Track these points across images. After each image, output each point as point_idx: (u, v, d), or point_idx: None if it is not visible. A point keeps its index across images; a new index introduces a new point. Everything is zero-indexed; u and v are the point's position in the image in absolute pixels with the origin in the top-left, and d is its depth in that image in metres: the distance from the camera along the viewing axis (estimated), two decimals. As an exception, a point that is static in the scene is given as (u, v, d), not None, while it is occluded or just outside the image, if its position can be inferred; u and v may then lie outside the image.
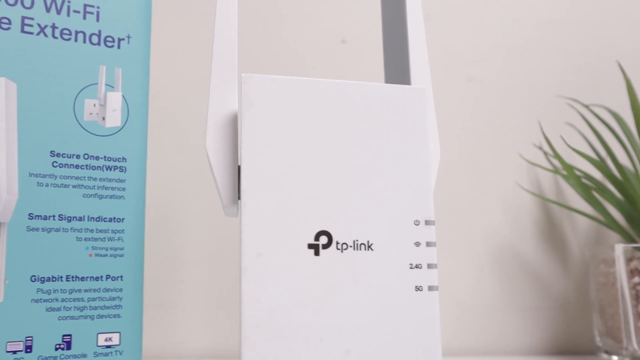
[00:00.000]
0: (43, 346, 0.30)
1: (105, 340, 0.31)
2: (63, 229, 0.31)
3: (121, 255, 0.32)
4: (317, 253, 0.27)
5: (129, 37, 0.34)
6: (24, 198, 0.30)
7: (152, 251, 0.49)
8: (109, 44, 0.34)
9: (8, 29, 0.31)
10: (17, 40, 0.31)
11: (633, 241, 0.48)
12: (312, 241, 0.27)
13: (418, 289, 0.28)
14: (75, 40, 0.33)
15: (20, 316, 0.30)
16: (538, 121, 0.56)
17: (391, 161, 0.29)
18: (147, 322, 0.48)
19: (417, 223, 0.29)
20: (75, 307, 0.31)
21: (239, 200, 0.29)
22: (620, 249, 0.43)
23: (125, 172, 0.33)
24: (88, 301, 0.31)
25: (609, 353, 0.45)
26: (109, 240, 0.32)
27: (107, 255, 0.32)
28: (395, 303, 0.28)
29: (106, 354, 0.31)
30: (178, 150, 0.52)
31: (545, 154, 0.54)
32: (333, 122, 0.29)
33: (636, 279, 0.42)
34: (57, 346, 0.30)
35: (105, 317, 0.32)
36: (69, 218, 0.31)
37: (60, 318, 0.31)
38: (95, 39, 0.33)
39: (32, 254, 0.30)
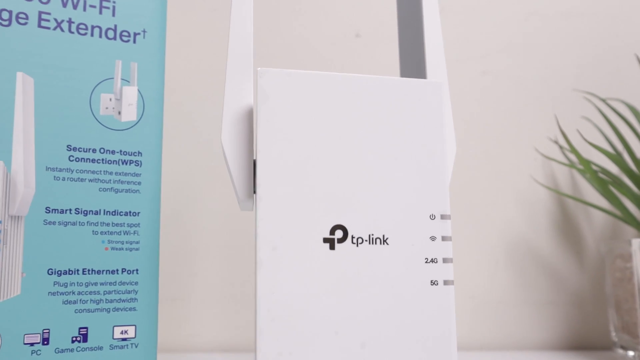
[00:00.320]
0: (60, 339, 0.30)
1: (121, 333, 0.32)
2: (79, 222, 0.31)
3: (137, 249, 0.33)
4: (332, 247, 0.27)
5: (144, 31, 0.34)
6: (41, 192, 0.31)
7: (167, 245, 0.50)
8: (124, 38, 0.34)
9: (25, 24, 0.31)
10: (34, 35, 0.32)
11: (650, 236, 0.47)
12: (328, 235, 0.27)
13: (433, 283, 0.28)
14: (92, 35, 0.33)
15: (37, 309, 0.30)
16: (554, 115, 0.56)
17: (407, 155, 0.29)
18: (162, 316, 0.48)
19: (432, 217, 0.29)
20: (91, 300, 0.31)
21: (254, 195, 0.29)
22: (637, 244, 0.43)
23: (140, 166, 0.33)
24: (104, 294, 0.31)
25: (625, 348, 0.44)
26: (124, 234, 0.32)
27: (122, 248, 0.32)
28: (410, 297, 0.28)
29: (122, 347, 0.32)
30: (193, 144, 0.52)
31: (561, 148, 0.54)
32: (348, 116, 0.29)
33: (653, 275, 0.42)
34: (74, 339, 0.30)
35: (121, 310, 0.32)
36: (85, 212, 0.31)
37: (76, 311, 0.31)
38: (111, 34, 0.33)
39: (49, 248, 0.30)
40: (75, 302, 0.31)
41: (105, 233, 0.32)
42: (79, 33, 0.33)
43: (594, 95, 0.53)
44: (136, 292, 0.32)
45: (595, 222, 0.56)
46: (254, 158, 0.29)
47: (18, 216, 0.30)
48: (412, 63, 0.34)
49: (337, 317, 0.27)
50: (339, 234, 0.27)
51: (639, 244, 0.43)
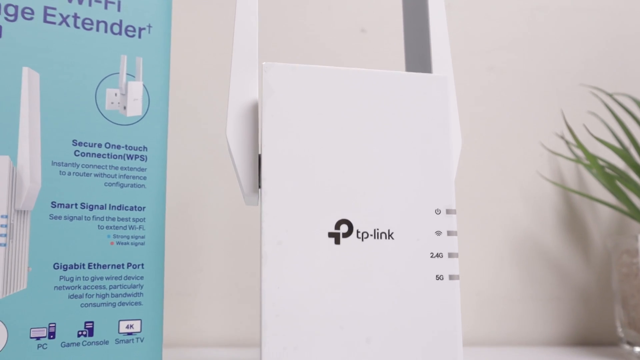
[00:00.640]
0: (66, 332, 0.30)
1: (127, 327, 0.32)
2: (85, 217, 0.31)
3: (142, 244, 0.33)
4: (337, 242, 0.27)
5: (149, 26, 0.34)
6: (47, 186, 0.31)
7: (173, 240, 0.50)
8: (130, 33, 0.34)
9: (31, 19, 0.31)
10: (39, 30, 0.32)
11: (657, 232, 0.47)
12: (333, 230, 0.27)
13: (439, 278, 0.28)
14: (97, 30, 0.33)
15: (44, 303, 0.30)
16: (560, 110, 0.55)
17: (412, 149, 0.29)
18: (167, 311, 0.48)
19: (438, 212, 0.28)
20: (97, 294, 0.31)
21: (259, 189, 0.29)
22: (643, 240, 0.42)
23: (146, 161, 0.33)
24: (110, 289, 0.31)
25: (631, 344, 0.44)
26: (130, 228, 0.32)
27: (128, 243, 0.32)
28: (415, 292, 0.28)
29: (127, 341, 0.32)
30: (198, 139, 0.52)
31: (567, 143, 0.53)
32: (354, 111, 0.29)
33: (660, 270, 0.42)
34: (80, 333, 0.31)
35: (127, 304, 0.32)
36: (90, 206, 0.32)
37: (82, 305, 0.31)
38: (116, 29, 0.33)
39: (55, 242, 0.31)
40: (81, 296, 0.31)
41: (111, 228, 0.32)
42: (84, 28, 0.33)
43: (601, 90, 0.53)
44: (142, 287, 0.32)
45: (601, 217, 0.55)
46: (259, 153, 0.29)
47: (24, 211, 0.30)
48: (418, 57, 0.34)
49: (342, 312, 0.27)
50: (344, 228, 0.27)
51: (646, 240, 0.42)
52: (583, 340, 0.54)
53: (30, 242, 0.30)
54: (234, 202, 0.51)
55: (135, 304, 0.32)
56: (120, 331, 0.32)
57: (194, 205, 0.51)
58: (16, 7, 0.31)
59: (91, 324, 0.31)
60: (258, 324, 0.48)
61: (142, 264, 0.33)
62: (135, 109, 0.33)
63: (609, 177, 0.47)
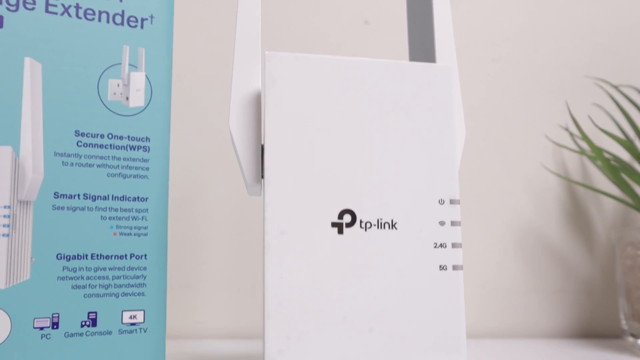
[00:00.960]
0: (69, 323, 0.30)
1: (130, 317, 0.32)
2: (88, 207, 0.31)
3: (145, 234, 0.33)
4: (340, 231, 0.27)
5: (152, 17, 0.34)
6: (49, 177, 0.31)
7: (176, 233, 0.50)
8: (132, 24, 0.34)
9: (32, 9, 0.31)
10: (41, 20, 0.31)
11: (661, 224, 0.47)
12: (336, 220, 0.27)
13: (442, 268, 0.28)
14: (99, 20, 0.33)
15: (47, 293, 0.30)
16: (565, 101, 0.55)
17: (416, 139, 0.29)
18: (171, 303, 0.48)
19: (441, 202, 0.28)
20: (100, 285, 0.31)
21: (262, 179, 0.29)
22: (648, 231, 0.42)
23: (148, 151, 0.33)
24: (113, 279, 0.31)
25: (635, 336, 0.44)
26: (132, 219, 0.32)
27: (131, 234, 0.32)
28: (419, 282, 0.27)
29: (131, 332, 0.32)
30: (201, 130, 0.52)
31: (572, 135, 0.53)
32: (357, 100, 0.28)
33: (664, 262, 0.42)
34: (83, 323, 0.31)
35: (130, 295, 0.32)
36: (93, 197, 0.32)
37: (85, 295, 0.31)
38: (118, 19, 0.33)
39: (58, 233, 0.30)
40: (84, 286, 0.31)
41: (114, 218, 0.32)
42: (86, 18, 0.33)
43: (606, 81, 0.52)
44: (145, 278, 0.32)
45: (605, 209, 0.55)
46: (262, 143, 0.29)
47: (27, 201, 0.30)
48: (421, 47, 0.34)
49: (345, 302, 0.27)
50: (347, 218, 0.27)
51: (650, 231, 0.42)
52: (587, 332, 0.54)
53: (33, 232, 0.30)
54: (237, 193, 0.51)
55: (139, 294, 0.32)
56: (124, 322, 0.32)
57: (197, 197, 0.51)
58: (18, -3, 0.31)
59: (94, 314, 0.31)
60: (261, 316, 0.48)
61: (145, 255, 0.32)
62: (137, 99, 0.33)
63: (614, 169, 0.47)
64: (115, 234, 0.32)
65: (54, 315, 0.30)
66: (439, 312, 0.28)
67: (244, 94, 0.30)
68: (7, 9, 0.31)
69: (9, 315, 0.29)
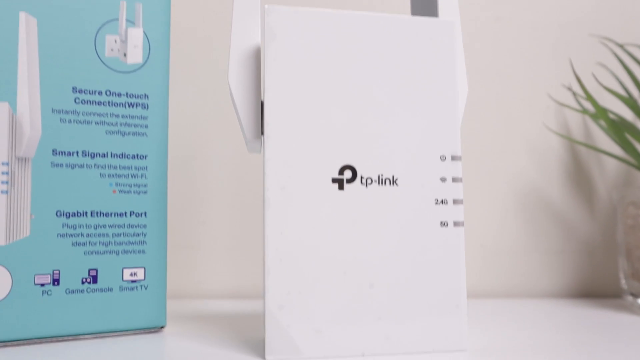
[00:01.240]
0: (70, 280, 0.30)
1: (131, 275, 0.32)
2: (87, 165, 0.31)
3: (145, 192, 0.32)
4: (341, 187, 0.27)
5: (149, -29, 0.33)
6: (47, 134, 0.30)
7: (176, 193, 0.49)
8: (129, -22, 0.33)
9: (27, -38, 0.31)
10: (36, -27, 0.31)
11: (663, 183, 0.47)
12: (337, 175, 0.27)
13: (443, 224, 0.28)
14: (95, -26, 0.32)
15: (47, 250, 0.30)
16: (569, 59, 0.54)
17: (417, 95, 0.28)
18: (172, 263, 0.48)
19: (443, 158, 0.28)
20: (100, 242, 0.31)
21: (262, 136, 0.28)
22: (650, 191, 0.42)
23: (147, 109, 0.33)
24: (113, 237, 0.31)
25: (635, 296, 0.44)
26: (132, 177, 0.32)
27: (130, 191, 0.32)
28: (420, 238, 0.27)
29: (131, 289, 0.32)
30: (200, 87, 0.51)
31: (575, 94, 0.53)
32: (358, 55, 0.28)
33: (666, 221, 0.42)
34: (84, 280, 0.31)
35: (130, 252, 0.32)
36: (92, 154, 0.31)
37: (86, 253, 0.31)
38: (115, -27, 0.33)
39: (57, 190, 0.30)
40: (84, 244, 0.31)
41: (113, 176, 0.32)
42: (82, -28, 0.32)
43: (611, 40, 0.52)
44: (145, 235, 0.32)
45: (607, 170, 0.55)
46: (262, 99, 0.29)
47: (25, 158, 0.30)
48: (424, 1, 0.33)
49: (346, 258, 0.27)
50: (347, 174, 0.27)
51: (652, 191, 0.42)
52: (587, 292, 0.54)
53: (32, 189, 0.30)
54: (237, 152, 0.51)
55: (139, 252, 0.32)
56: (124, 279, 0.32)
57: (197, 156, 0.51)
58: (12, -50, 0.30)
59: (95, 271, 0.31)
60: (261, 277, 0.49)
61: (145, 213, 0.32)
62: (135, 56, 0.33)
63: (618, 128, 0.46)
64: (114, 191, 0.32)
65: (54, 271, 0.30)
66: (440, 268, 0.28)
67: (243, 49, 0.29)
68: (1, -38, 0.30)
69: (9, 272, 0.29)
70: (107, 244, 0.31)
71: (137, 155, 0.32)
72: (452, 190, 0.28)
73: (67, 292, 0.30)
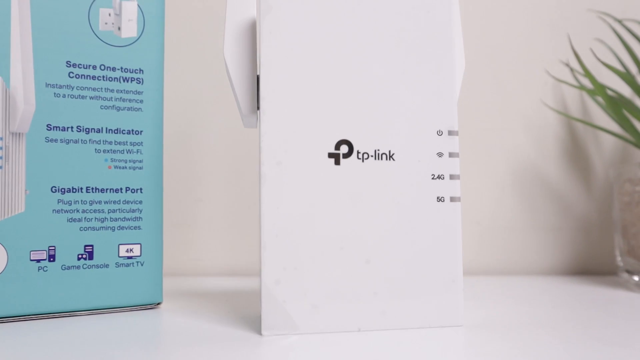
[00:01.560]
0: (66, 256, 0.30)
1: (127, 251, 0.32)
2: (82, 140, 0.31)
3: (140, 168, 0.32)
4: (337, 162, 0.27)
5: (143, -57, 0.33)
6: (42, 109, 0.30)
7: (172, 170, 0.49)
8: (122, -49, 0.32)
9: None
10: (28, -55, 0.30)
11: (660, 160, 0.47)
12: (333, 150, 0.27)
13: (440, 199, 0.28)
14: (88, -54, 0.32)
15: (42, 226, 0.30)
16: (567, 34, 0.54)
17: (414, 69, 0.28)
18: (168, 240, 0.48)
19: (439, 133, 0.28)
20: (96, 218, 0.31)
21: (258, 110, 0.28)
22: (647, 167, 0.42)
23: (142, 83, 0.32)
24: (108, 212, 0.31)
25: (630, 272, 0.44)
26: (127, 152, 0.32)
27: (126, 167, 0.32)
28: (416, 213, 0.27)
29: (127, 265, 0.32)
30: (196, 61, 0.51)
31: (573, 70, 0.52)
32: (355, 28, 0.28)
33: (662, 198, 0.42)
34: (80, 256, 0.31)
35: (126, 228, 0.32)
36: (87, 130, 0.31)
37: (81, 229, 0.31)
38: (108, -54, 0.32)
39: (52, 165, 0.30)
40: (79, 220, 0.31)
41: (108, 151, 0.31)
42: (75, -56, 0.31)
43: (609, 15, 0.51)
44: (141, 211, 0.32)
45: (604, 147, 0.55)
46: (258, 73, 0.28)
47: (19, 133, 0.30)
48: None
49: (342, 233, 0.26)
50: (344, 149, 0.27)
51: (649, 167, 0.42)
52: (583, 269, 0.54)
53: (26, 165, 0.30)
54: (233, 128, 0.50)
55: (135, 228, 0.32)
56: (120, 255, 0.32)
57: (192, 132, 0.50)
58: None
59: (91, 247, 0.31)
60: (258, 254, 0.49)
61: (141, 189, 0.32)
62: (130, 30, 0.32)
63: (616, 105, 0.46)
64: (110, 167, 0.32)
65: (50, 247, 0.30)
66: (436, 243, 0.27)
67: (239, 23, 0.29)
68: None
69: (4, 247, 0.29)
70: (103, 220, 0.31)
71: (132, 130, 0.32)
72: (448, 165, 0.28)
73: (63, 268, 0.30)
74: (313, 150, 0.26)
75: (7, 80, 0.29)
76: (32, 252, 0.30)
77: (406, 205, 0.27)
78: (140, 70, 0.32)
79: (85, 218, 0.31)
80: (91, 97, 0.31)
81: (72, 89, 0.31)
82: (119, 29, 0.32)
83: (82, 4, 0.31)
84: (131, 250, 0.32)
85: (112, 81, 0.32)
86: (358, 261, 0.27)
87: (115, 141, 0.32)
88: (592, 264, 0.54)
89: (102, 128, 0.31)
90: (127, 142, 0.32)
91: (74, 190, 0.31)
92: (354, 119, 0.27)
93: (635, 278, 0.44)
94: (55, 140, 0.30)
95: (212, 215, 0.51)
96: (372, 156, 0.27)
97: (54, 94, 0.30)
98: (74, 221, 0.31)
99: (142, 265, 0.32)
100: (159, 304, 0.33)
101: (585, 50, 0.53)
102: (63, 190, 0.30)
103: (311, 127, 0.27)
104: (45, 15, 0.30)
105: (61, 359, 0.23)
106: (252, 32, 0.29)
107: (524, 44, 0.54)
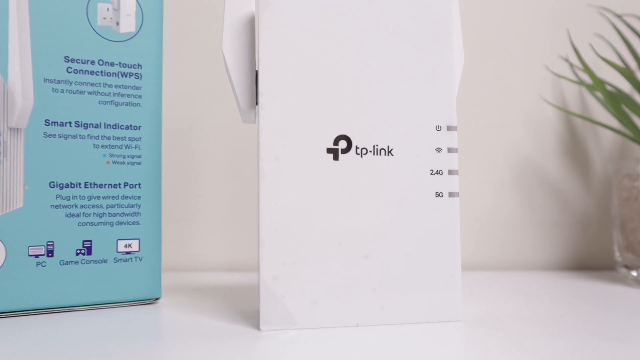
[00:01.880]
0: (64, 251, 0.30)
1: (125, 246, 0.32)
2: (80, 135, 0.31)
3: (139, 163, 0.32)
4: (336, 158, 0.27)
5: (141, -62, 0.33)
6: (40, 104, 0.30)
7: (171, 165, 0.49)
8: (120, -55, 0.32)
9: None
10: (25, -60, 0.30)
11: (659, 156, 0.47)
12: (331, 146, 0.27)
13: (438, 195, 0.28)
14: (86, -59, 0.32)
15: (41, 221, 0.30)
16: (567, 30, 0.54)
17: (413, 64, 0.28)
18: (167, 236, 0.48)
19: (438, 129, 0.28)
20: (94, 213, 0.31)
21: (256, 106, 0.28)
22: (646, 163, 0.42)
23: (140, 78, 0.32)
24: (107, 208, 0.31)
25: (629, 268, 0.44)
26: (126, 147, 0.32)
27: (124, 162, 0.32)
28: (415, 209, 0.27)
29: (126, 260, 0.32)
30: (194, 56, 0.51)
31: (572, 65, 0.52)
32: (353, 24, 0.28)
33: (661, 193, 0.42)
34: (78, 251, 0.31)
35: (125, 223, 0.32)
36: (85, 125, 0.31)
37: (80, 224, 0.31)
38: (106, -60, 0.32)
39: (50, 161, 0.30)
40: (78, 215, 0.31)
41: (107, 147, 0.31)
42: (73, -61, 0.31)
43: (609, 10, 0.51)
44: (139, 206, 0.32)
45: (603, 142, 0.55)
46: (256, 68, 0.28)
47: (17, 129, 0.29)
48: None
49: (341, 228, 0.26)
50: (342, 144, 0.27)
51: (648, 163, 0.42)
52: (581, 265, 0.54)
53: (24, 160, 0.30)
54: (232, 124, 0.50)
55: (133, 223, 0.32)
56: (119, 250, 0.32)
57: (191, 128, 0.50)
58: None
59: (89, 242, 0.31)
60: (256, 249, 0.49)
61: (139, 184, 0.32)
62: (128, 24, 0.32)
63: (615, 100, 0.46)
64: (108, 162, 0.32)
65: (48, 243, 0.30)
66: (435, 239, 0.27)
67: (238, 18, 0.29)
68: None
69: (3, 243, 0.29)
70: (101, 215, 0.31)
71: (131, 125, 0.32)
72: (447, 160, 0.28)
73: (62, 263, 0.30)
74: (312, 145, 0.26)
75: (5, 75, 0.29)
76: (30, 248, 0.30)
77: (405, 201, 0.27)
78: (138, 65, 0.32)
79: (83, 213, 0.31)
80: (89, 92, 0.31)
81: (71, 84, 0.31)
82: (118, 24, 0.32)
83: (80, -2, 0.31)
84: (130, 245, 0.32)
85: (111, 76, 0.32)
86: (356, 256, 0.27)
87: (113, 136, 0.32)
88: (591, 259, 0.54)
89: (100, 123, 0.31)
90: (125, 137, 0.32)
91: (73, 186, 0.31)
92: (352, 114, 0.27)
93: (634, 273, 0.44)
94: (54, 136, 0.30)
95: (211, 210, 0.51)
96: (370, 151, 0.27)
97: (52, 89, 0.30)
98: (73, 216, 0.31)
99: (140, 260, 0.32)
100: (157, 299, 0.33)
101: (585, 46, 0.53)
102: (61, 185, 0.30)
103: (310, 122, 0.27)
104: (43, 10, 0.30)
105: (60, 354, 0.23)
106: (251, 27, 0.29)
107: (523, 39, 0.54)
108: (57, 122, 0.30)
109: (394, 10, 0.28)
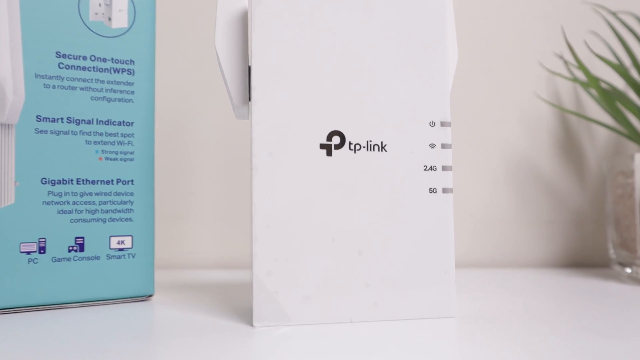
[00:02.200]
0: (56, 248, 0.30)
1: (118, 243, 0.32)
2: (72, 131, 0.31)
3: (131, 159, 0.32)
4: (329, 153, 0.27)
5: None
6: (31, 100, 0.30)
7: (164, 162, 0.49)
8: (113, -60, 0.32)
9: None
10: None
11: (653, 153, 0.47)
12: (325, 141, 0.27)
13: (432, 191, 0.28)
14: (78, -64, 0.31)
15: (33, 218, 0.30)
16: (561, 26, 0.54)
17: (407, 60, 0.28)
18: (161, 233, 0.48)
19: (432, 124, 0.28)
20: (86, 210, 0.31)
21: (249, 101, 0.28)
22: (639, 159, 0.42)
23: (133, 74, 0.32)
24: (99, 204, 0.31)
25: (623, 265, 0.45)
26: (118, 144, 0.32)
27: (117, 159, 0.32)
28: (408, 205, 0.27)
29: (119, 257, 0.32)
30: (187, 52, 0.51)
31: (566, 63, 0.52)
32: (347, 19, 0.27)
33: (655, 190, 0.42)
34: (70, 248, 0.30)
35: (117, 220, 0.32)
36: (77, 121, 0.31)
37: (72, 220, 0.30)
38: None
39: (42, 157, 0.30)
40: (70, 211, 0.30)
41: (99, 143, 0.31)
42: None
43: (603, 7, 0.51)
44: (132, 203, 0.32)
45: (597, 140, 0.55)
46: (249, 64, 0.28)
47: (8, 124, 0.29)
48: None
49: (334, 224, 0.26)
50: (336, 140, 0.27)
51: (642, 160, 0.42)
52: (575, 262, 0.54)
53: (16, 156, 0.29)
54: (225, 119, 0.50)
55: (126, 220, 0.32)
56: (112, 247, 0.31)
57: (184, 124, 0.50)
58: None
59: (82, 239, 0.31)
60: (250, 247, 0.49)
61: (132, 180, 0.32)
62: (120, 20, 0.32)
63: (609, 97, 0.46)
64: (100, 158, 0.31)
65: (40, 239, 0.30)
66: (428, 235, 0.27)
67: (230, 13, 0.29)
68: None
69: (-6, 239, 0.29)
70: (94, 211, 0.31)
71: (123, 122, 0.32)
72: (441, 156, 0.28)
73: (54, 260, 0.30)
74: (305, 141, 0.26)
75: (-4, 70, 0.29)
76: (22, 244, 0.29)
77: (398, 197, 0.27)
78: (131, 61, 0.32)
79: (75, 210, 0.31)
80: (81, 88, 0.31)
81: (62, 79, 0.31)
82: (110, 19, 0.32)
83: (72, -7, 0.31)
84: (122, 242, 0.32)
85: (103, 72, 0.31)
86: (350, 252, 0.26)
87: (106, 132, 0.31)
88: (585, 257, 0.54)
89: (92, 119, 0.31)
90: (118, 133, 0.32)
91: (65, 182, 0.30)
92: (345, 109, 0.27)
93: (628, 270, 0.44)
94: (45, 132, 0.30)
95: (204, 207, 0.50)
96: (364, 147, 0.27)
97: (44, 84, 0.30)
98: (65, 213, 0.30)
99: (133, 257, 0.32)
100: (150, 296, 0.33)
101: (579, 43, 0.53)
102: (53, 181, 0.30)
103: (303, 118, 0.26)
104: (34, 5, 0.30)
105: (52, 351, 0.22)
106: (243, 22, 0.29)
107: (517, 36, 0.54)
108: (48, 118, 0.30)
109: (387, 6, 0.28)
